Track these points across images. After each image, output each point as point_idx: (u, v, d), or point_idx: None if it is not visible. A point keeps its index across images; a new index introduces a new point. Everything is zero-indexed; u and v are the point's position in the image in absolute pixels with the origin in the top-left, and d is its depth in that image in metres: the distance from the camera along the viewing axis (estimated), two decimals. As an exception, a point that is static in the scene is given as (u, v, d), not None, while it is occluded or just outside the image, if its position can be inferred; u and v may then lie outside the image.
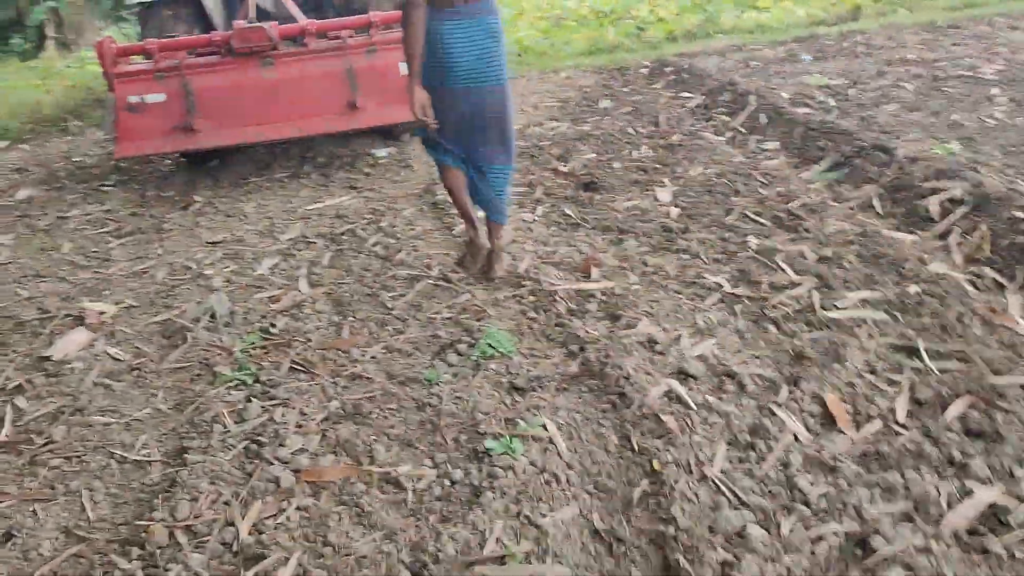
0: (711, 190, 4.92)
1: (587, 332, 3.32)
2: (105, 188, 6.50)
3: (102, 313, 4.08)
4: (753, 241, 4.07)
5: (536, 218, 4.81)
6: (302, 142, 7.21)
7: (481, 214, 3.97)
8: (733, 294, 3.57)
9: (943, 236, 3.86)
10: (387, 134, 7.01)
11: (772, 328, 3.24)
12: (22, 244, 5.34)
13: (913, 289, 3.31)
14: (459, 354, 3.31)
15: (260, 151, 7.13)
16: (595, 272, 3.90)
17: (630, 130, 6.64)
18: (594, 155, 6.00)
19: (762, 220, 4.35)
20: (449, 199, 4.20)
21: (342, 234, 4.87)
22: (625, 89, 8.31)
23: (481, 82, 3.48)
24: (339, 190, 5.92)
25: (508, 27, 12.93)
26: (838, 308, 3.28)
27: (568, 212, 4.84)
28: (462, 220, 4.08)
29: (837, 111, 6.32)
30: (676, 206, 4.73)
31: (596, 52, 10.43)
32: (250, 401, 3.13)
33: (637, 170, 5.54)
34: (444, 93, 3.49)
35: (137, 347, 3.74)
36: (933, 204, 4.03)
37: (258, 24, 5.73)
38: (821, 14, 11.08)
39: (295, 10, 6.71)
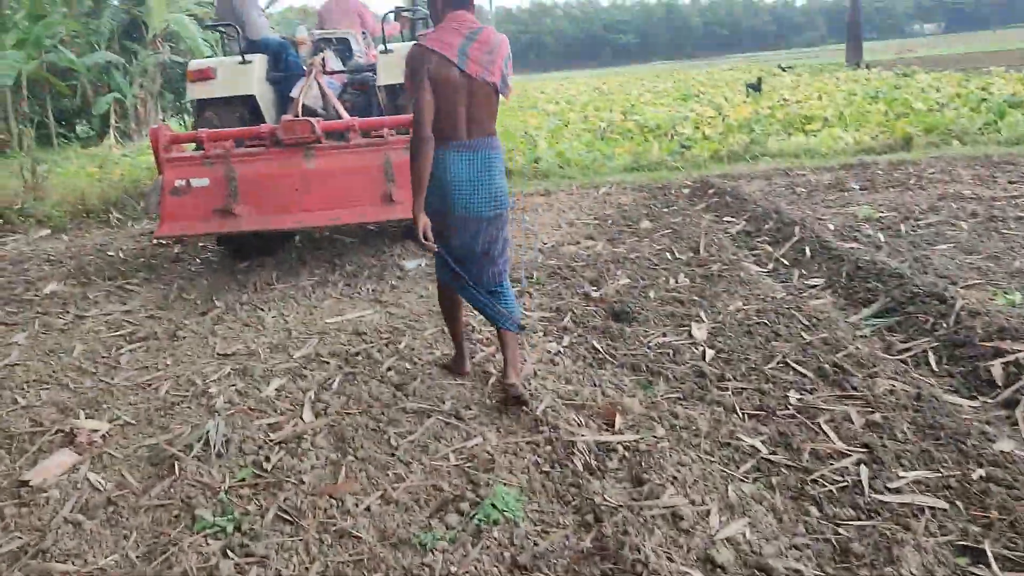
0: (750, 330, 4.57)
1: (605, 498, 2.95)
2: (130, 286, 6.36)
3: (94, 431, 3.81)
4: (794, 396, 3.70)
5: (561, 349, 4.49)
6: (333, 247, 7.09)
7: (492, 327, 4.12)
8: (770, 460, 3.19)
9: (1008, 405, 3.45)
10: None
11: (813, 510, 2.84)
12: (36, 344, 5.15)
13: (977, 473, 2.90)
14: (460, 513, 2.95)
15: (290, 256, 6.99)
16: (619, 421, 3.55)
17: (668, 255, 6.36)
18: (628, 281, 5.72)
19: (804, 370, 3.99)
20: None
21: (357, 354, 4.60)
22: (666, 209, 8.09)
23: (479, 211, 3.69)
24: (363, 302, 5.69)
25: (553, 138, 12.95)
26: (890, 491, 2.87)
27: (596, 345, 4.52)
28: (452, 339, 4.30)
29: (887, 248, 5.99)
30: (712, 347, 4.39)
31: (639, 168, 10.31)
32: (226, 556, 2.80)
33: (673, 301, 5.23)
34: (447, 218, 3.69)
35: (121, 475, 3.44)
36: (996, 368, 3.64)
37: (304, 118, 5.92)
38: (870, 141, 10.88)
39: (341, 110, 6.74)
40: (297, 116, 6.39)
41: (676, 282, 5.66)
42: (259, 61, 6.96)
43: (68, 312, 5.75)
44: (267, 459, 3.43)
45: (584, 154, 11.03)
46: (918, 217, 6.95)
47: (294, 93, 6.89)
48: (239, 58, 6.82)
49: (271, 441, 3.62)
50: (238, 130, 6.22)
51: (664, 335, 4.64)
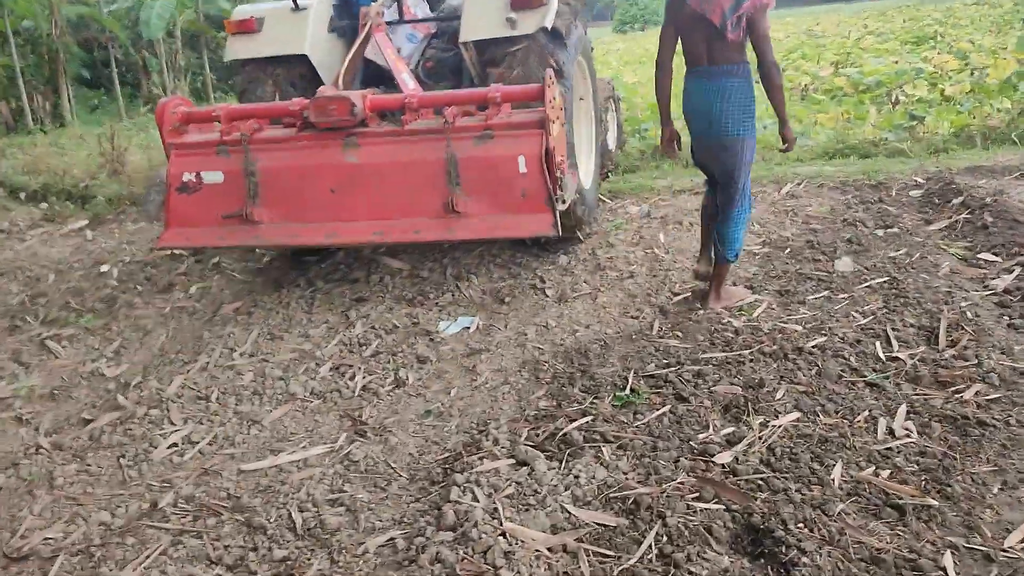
0: None
1: None
2: (64, 336, 4.33)
3: None
4: None
5: None
6: (371, 268, 4.79)
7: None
8: None
9: None
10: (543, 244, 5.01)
11: None
12: None
13: None
14: None
15: (313, 283, 4.71)
16: None
17: (878, 346, 3.47)
18: (796, 416, 2.95)
19: None
20: None
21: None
22: (880, 232, 5.02)
23: (708, 135, 3.78)
24: (333, 417, 3.32)
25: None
26: None
27: None
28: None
29: None
30: None
31: (844, 151, 7.08)
32: None
33: (879, 500, 2.44)
34: (692, 138, 3.92)
35: None
36: None
37: (342, 93, 4.06)
38: None
39: (405, 75, 4.60)
40: (337, 88, 4.24)
41: (890, 431, 2.82)
42: (318, 7, 4.94)
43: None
44: None
45: (770, 127, 7.91)
46: None
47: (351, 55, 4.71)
48: (292, 3, 4.84)
49: None
50: (263, 106, 4.50)
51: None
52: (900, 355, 3.39)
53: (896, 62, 11.32)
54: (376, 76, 5.04)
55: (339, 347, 3.97)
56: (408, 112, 4.07)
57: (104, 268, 5.50)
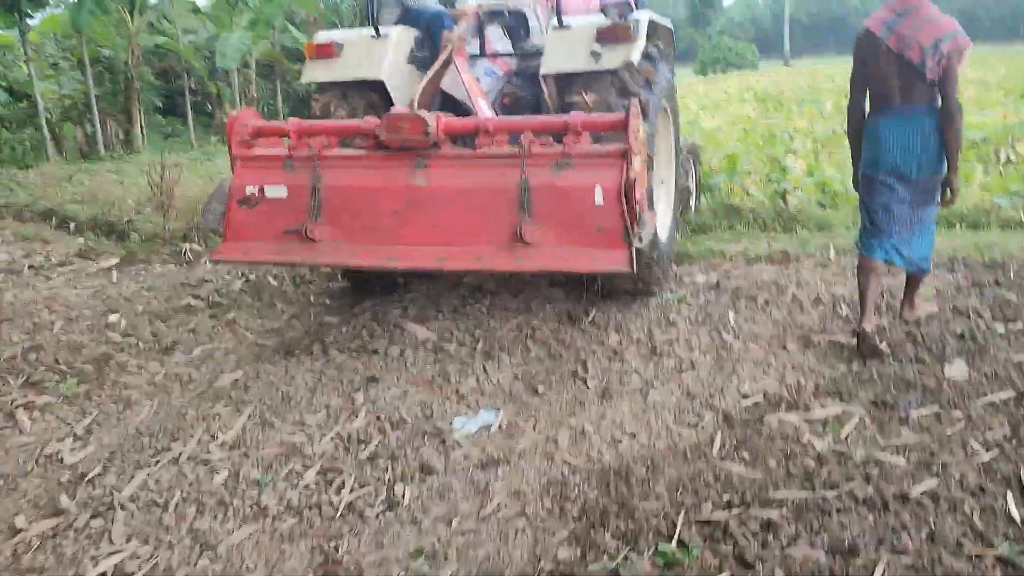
0: None
1: None
2: (38, 405, 3.78)
3: None
4: None
5: None
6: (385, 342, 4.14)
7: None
8: None
9: None
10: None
11: None
12: None
13: None
14: None
15: (319, 343, 4.09)
16: None
17: (1010, 499, 2.62)
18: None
19: None
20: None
21: None
22: (1000, 327, 4.12)
23: (915, 175, 3.79)
24: (303, 555, 2.63)
25: (820, 152, 8.94)
26: None
27: None
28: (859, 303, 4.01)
29: None
30: None
31: (947, 220, 6.13)
32: None
33: None
34: (875, 181, 3.89)
35: None
36: None
37: (416, 112, 3.83)
38: None
39: (482, 103, 4.58)
40: (413, 109, 3.99)
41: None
42: (400, 36, 4.84)
43: None
44: None
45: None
46: None
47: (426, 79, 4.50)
48: (372, 31, 4.77)
49: None
50: (334, 123, 4.29)
51: None
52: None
53: (1004, 116, 10.23)
54: (452, 108, 4.67)
55: (334, 443, 3.31)
56: (482, 136, 3.78)
57: (112, 318, 5.00)
